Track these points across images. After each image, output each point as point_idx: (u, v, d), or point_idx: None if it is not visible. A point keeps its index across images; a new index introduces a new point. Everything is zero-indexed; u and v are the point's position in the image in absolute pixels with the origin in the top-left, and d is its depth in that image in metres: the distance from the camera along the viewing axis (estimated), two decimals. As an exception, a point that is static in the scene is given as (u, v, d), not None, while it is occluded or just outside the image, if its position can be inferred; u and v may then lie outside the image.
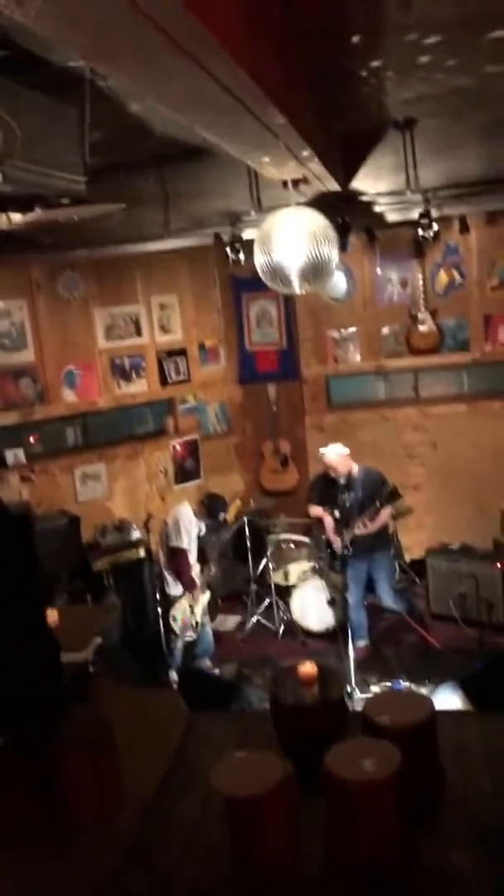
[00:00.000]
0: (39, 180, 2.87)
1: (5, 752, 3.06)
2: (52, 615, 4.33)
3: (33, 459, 6.38)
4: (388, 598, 5.83)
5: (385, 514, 5.66)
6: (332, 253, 2.82)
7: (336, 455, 5.67)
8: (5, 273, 6.08)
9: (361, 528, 5.57)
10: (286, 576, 6.49)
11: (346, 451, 5.70)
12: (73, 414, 6.67)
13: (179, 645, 5.73)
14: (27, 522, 5.42)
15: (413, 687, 5.13)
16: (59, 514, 6.18)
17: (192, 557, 5.72)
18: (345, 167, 3.67)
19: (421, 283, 6.71)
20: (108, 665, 5.64)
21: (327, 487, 5.80)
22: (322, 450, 5.78)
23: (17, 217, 3.17)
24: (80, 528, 6.13)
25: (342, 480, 5.63)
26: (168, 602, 5.69)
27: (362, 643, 5.85)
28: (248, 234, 4.67)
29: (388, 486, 5.58)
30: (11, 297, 6.20)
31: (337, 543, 5.61)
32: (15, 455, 6.22)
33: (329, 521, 5.72)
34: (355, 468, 5.68)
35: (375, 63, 2.62)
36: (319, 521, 6.05)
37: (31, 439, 6.44)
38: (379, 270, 6.76)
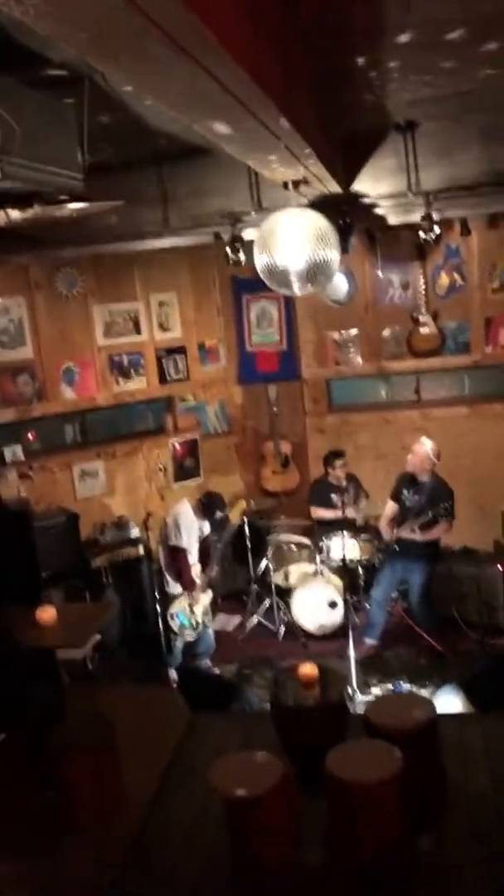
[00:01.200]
0: (38, 177, 2.86)
1: (5, 751, 3.06)
2: (51, 612, 4.33)
3: (32, 456, 6.37)
4: (414, 602, 5.84)
5: (439, 528, 5.67)
6: (332, 255, 2.81)
7: (424, 450, 5.67)
8: (4, 270, 6.07)
9: (409, 534, 5.61)
10: (286, 577, 6.49)
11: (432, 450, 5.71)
12: (72, 411, 6.66)
13: (179, 644, 5.73)
14: (26, 519, 5.43)
15: (414, 689, 5.12)
16: (58, 512, 6.18)
17: (193, 557, 5.71)
18: (346, 168, 3.66)
19: (422, 285, 6.70)
20: (107, 663, 5.65)
21: (401, 482, 5.86)
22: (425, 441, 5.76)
23: (15, 214, 3.16)
24: (78, 525, 6.13)
25: (420, 479, 5.70)
26: (167, 600, 5.68)
27: (372, 641, 5.85)
28: (248, 234, 4.66)
29: (451, 503, 5.60)
30: (10, 295, 6.18)
31: (387, 534, 5.72)
32: (13, 452, 6.21)
33: (390, 510, 5.81)
34: (426, 474, 5.70)
35: (375, 64, 2.61)
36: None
37: (30, 436, 6.44)
38: (380, 273, 6.75)
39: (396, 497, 5.84)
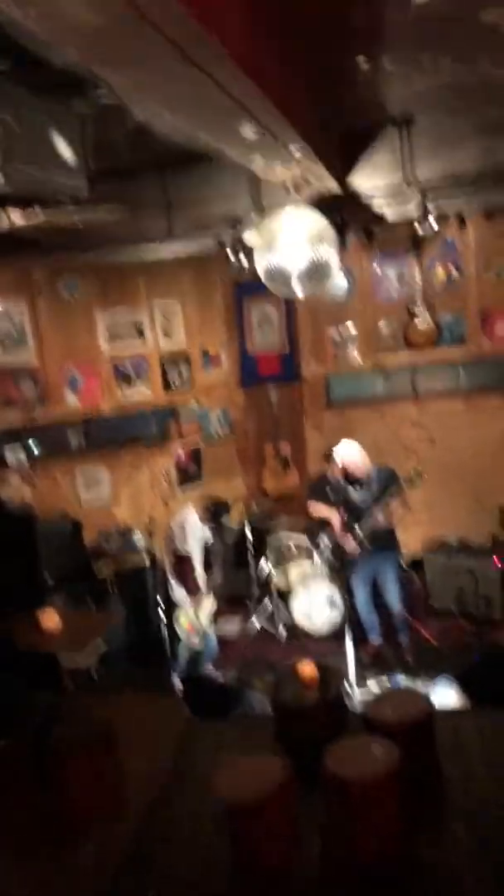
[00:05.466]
0: (40, 182, 2.89)
1: (7, 754, 3.06)
2: (54, 618, 4.33)
3: (35, 462, 6.37)
4: (393, 598, 5.79)
5: (398, 506, 5.50)
6: (331, 253, 2.83)
7: (355, 453, 5.56)
8: (6, 274, 6.10)
9: (378, 523, 5.47)
10: (287, 577, 6.48)
11: (358, 448, 5.58)
12: (76, 418, 6.67)
13: (184, 651, 5.72)
14: (29, 525, 5.44)
15: (410, 682, 5.10)
16: (62, 519, 6.19)
17: (197, 563, 5.71)
18: (343, 164, 3.67)
19: (418, 278, 6.70)
20: (111, 671, 5.64)
21: (335, 487, 5.75)
22: (336, 449, 5.62)
23: (17, 218, 3.18)
24: (81, 532, 6.13)
25: (357, 478, 5.56)
26: (172, 608, 5.68)
27: (377, 640, 5.84)
28: (249, 237, 4.68)
29: (401, 479, 5.48)
30: (12, 299, 6.21)
31: (348, 544, 5.59)
32: (16, 457, 6.22)
33: (337, 520, 5.68)
34: (368, 466, 5.58)
35: (374, 61, 2.63)
36: (326, 521, 6.08)
37: (32, 443, 6.42)
38: (377, 268, 6.76)
39: (343, 501, 5.63)
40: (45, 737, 2.92)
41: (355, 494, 5.60)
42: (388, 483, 5.48)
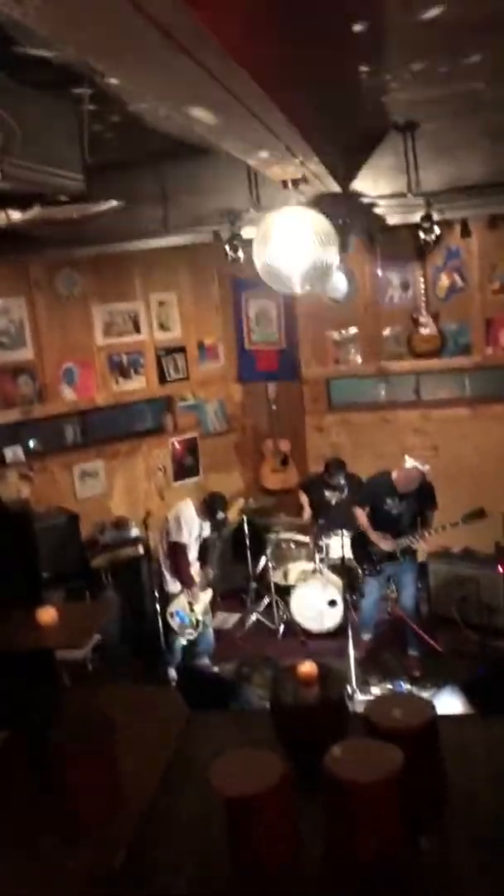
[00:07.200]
0: (38, 178, 2.87)
1: (4, 751, 3.06)
2: (51, 613, 4.32)
3: (32, 457, 6.38)
4: (409, 602, 5.82)
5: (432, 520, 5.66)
6: (332, 254, 2.82)
7: (408, 471, 5.57)
8: (4, 271, 6.07)
9: (417, 541, 5.59)
10: (286, 575, 6.50)
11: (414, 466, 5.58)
12: (72, 411, 6.66)
13: (179, 643, 5.74)
14: (26, 520, 5.43)
15: (415, 690, 5.12)
16: (58, 512, 6.19)
17: (192, 555, 5.72)
18: (345, 168, 3.66)
19: (422, 286, 6.71)
20: (107, 662, 5.66)
21: (378, 491, 5.75)
22: (409, 459, 5.64)
23: (16, 215, 3.16)
24: (79, 525, 6.13)
25: (401, 490, 5.60)
26: (167, 599, 5.69)
27: (368, 635, 5.87)
28: (246, 232, 4.66)
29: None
30: (10, 295, 6.19)
31: (385, 545, 5.60)
32: (14, 453, 6.22)
33: (365, 521, 5.71)
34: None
35: (376, 64, 2.61)
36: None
37: (29, 439, 6.43)
38: (380, 273, 6.76)
39: (377, 506, 5.68)
40: (44, 735, 2.92)
41: (394, 506, 5.63)
42: (425, 498, 5.56)
